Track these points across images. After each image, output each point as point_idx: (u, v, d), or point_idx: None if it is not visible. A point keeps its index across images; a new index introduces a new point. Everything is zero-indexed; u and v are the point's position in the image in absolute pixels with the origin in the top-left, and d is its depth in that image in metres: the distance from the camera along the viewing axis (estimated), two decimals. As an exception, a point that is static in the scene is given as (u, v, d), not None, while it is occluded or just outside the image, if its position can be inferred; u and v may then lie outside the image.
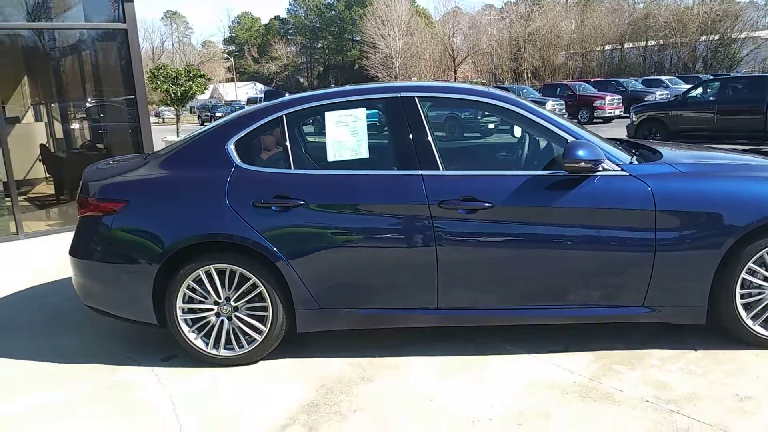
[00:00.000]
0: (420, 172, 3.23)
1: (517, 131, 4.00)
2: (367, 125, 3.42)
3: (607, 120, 21.92)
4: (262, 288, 3.28)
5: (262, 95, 38.59)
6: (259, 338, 3.35)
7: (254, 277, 3.27)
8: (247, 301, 3.34)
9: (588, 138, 3.31)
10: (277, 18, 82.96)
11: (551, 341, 3.46)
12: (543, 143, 3.65)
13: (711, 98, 12.73)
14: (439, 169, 3.25)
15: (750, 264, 3.13)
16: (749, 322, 3.21)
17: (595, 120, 21.73)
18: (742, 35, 41.46)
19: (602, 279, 3.21)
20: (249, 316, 3.35)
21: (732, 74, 26.55)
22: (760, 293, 3.20)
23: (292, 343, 3.52)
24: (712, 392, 2.87)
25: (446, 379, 3.15)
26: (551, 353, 3.35)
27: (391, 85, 3.78)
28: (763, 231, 3.08)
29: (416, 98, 3.40)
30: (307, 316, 3.34)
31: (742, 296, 3.19)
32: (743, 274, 3.15)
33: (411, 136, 3.31)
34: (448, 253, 3.18)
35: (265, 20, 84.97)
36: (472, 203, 3.15)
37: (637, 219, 3.11)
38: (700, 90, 13.29)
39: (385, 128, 3.49)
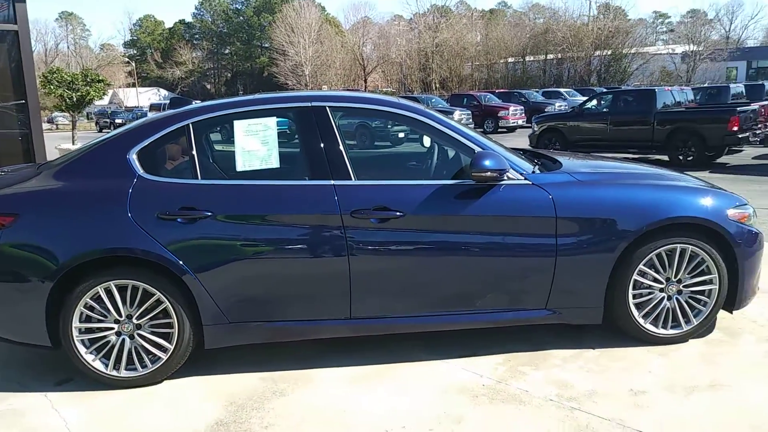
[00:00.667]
0: (332, 182, 3.23)
1: (427, 141, 4.09)
2: (278, 134, 3.37)
3: (511, 129, 22.87)
4: (168, 304, 3.15)
5: (167, 102, 37.18)
6: (164, 357, 3.21)
7: (159, 293, 3.13)
8: (151, 318, 3.19)
9: (493, 148, 3.43)
10: (182, 22, 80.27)
11: (461, 346, 3.54)
12: (452, 153, 3.75)
13: (605, 110, 13.60)
14: (351, 179, 3.26)
15: (641, 266, 3.36)
16: (641, 321, 3.44)
17: (499, 129, 22.60)
18: (632, 50, 44.66)
19: (508, 284, 3.33)
20: (153, 333, 3.20)
21: (623, 87, 28.47)
22: (649, 293, 3.44)
23: (200, 360, 3.39)
24: (609, 388, 3.05)
25: (360, 389, 3.15)
26: (461, 358, 3.43)
27: (302, 94, 3.76)
28: (652, 235, 3.31)
29: (327, 108, 3.40)
30: (216, 332, 3.24)
31: (634, 296, 3.41)
32: (635, 276, 3.37)
33: (322, 145, 3.30)
34: (361, 262, 3.19)
35: (169, 24, 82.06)
36: (384, 212, 3.18)
37: (539, 226, 3.26)
38: (594, 102, 14.16)
39: (296, 137, 3.46)
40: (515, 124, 22.87)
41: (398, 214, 3.17)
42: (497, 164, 3.18)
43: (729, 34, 54.46)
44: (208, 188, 3.25)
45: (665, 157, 12.23)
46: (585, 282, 3.35)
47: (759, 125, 13.30)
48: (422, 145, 4.31)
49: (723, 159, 12.32)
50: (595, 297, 3.37)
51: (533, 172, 3.44)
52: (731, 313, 3.60)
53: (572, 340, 3.57)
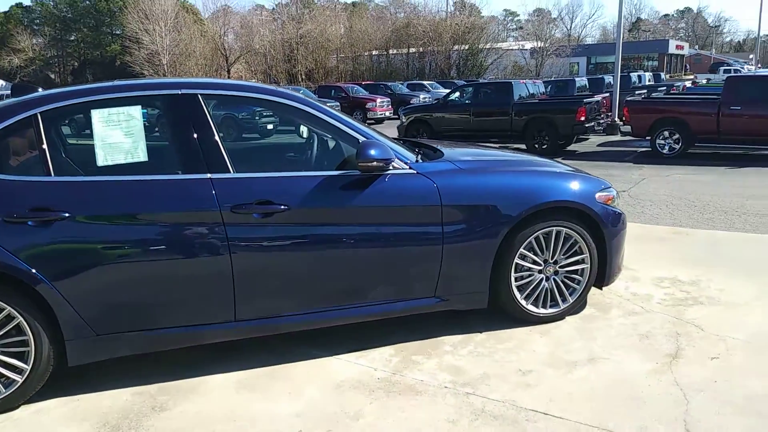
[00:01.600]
0: (209, 176, 2.99)
1: (305, 132, 3.95)
2: (144, 125, 3.06)
3: (379, 121, 23.19)
4: (20, 319, 2.75)
5: (8, 91, 33.33)
6: (20, 379, 2.81)
7: (8, 308, 2.73)
8: (1, 337, 2.77)
9: (378, 138, 3.37)
10: (19, 6, 72.28)
11: (353, 340, 3.46)
12: (332, 143, 3.65)
13: (467, 101, 14.19)
14: (229, 172, 3.04)
15: (521, 250, 3.48)
16: (523, 302, 3.57)
17: (368, 121, 22.82)
18: (487, 46, 47.13)
19: (397, 274, 3.30)
20: (4, 354, 2.79)
21: (481, 80, 29.97)
22: (530, 275, 3.57)
23: (65, 378, 3.01)
24: (499, 370, 3.12)
25: (250, 394, 2.97)
26: (354, 352, 3.36)
27: (171, 80, 3.46)
28: (531, 219, 3.44)
29: (199, 95, 3.14)
30: (81, 346, 2.89)
31: (516, 279, 3.53)
32: (516, 260, 3.49)
33: (196, 136, 3.04)
34: (244, 260, 3.00)
35: (4, 7, 73.56)
36: (268, 206, 3.01)
37: (425, 215, 3.25)
38: (458, 94, 14.72)
39: (165, 128, 3.17)
40: (383, 115, 23.22)
41: (282, 207, 3.01)
42: (383, 154, 3.12)
43: (570, 32, 59.33)
44: (65, 186, 2.88)
45: (523, 146, 12.99)
46: (471, 268, 3.40)
47: (602, 115, 14.62)
48: (299, 135, 4.16)
49: (572, 147, 13.35)
50: (480, 282, 3.44)
51: (417, 161, 3.43)
52: (601, 289, 3.85)
53: (460, 325, 3.63)
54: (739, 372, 3.02)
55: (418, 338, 3.50)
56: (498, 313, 3.65)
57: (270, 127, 12.89)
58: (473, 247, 3.37)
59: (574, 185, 3.59)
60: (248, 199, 2.99)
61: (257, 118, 13.32)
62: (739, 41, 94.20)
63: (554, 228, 3.51)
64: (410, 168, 3.31)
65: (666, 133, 11.57)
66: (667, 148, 11.57)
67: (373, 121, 22.99)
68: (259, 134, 13.49)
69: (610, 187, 3.77)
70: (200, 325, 3.08)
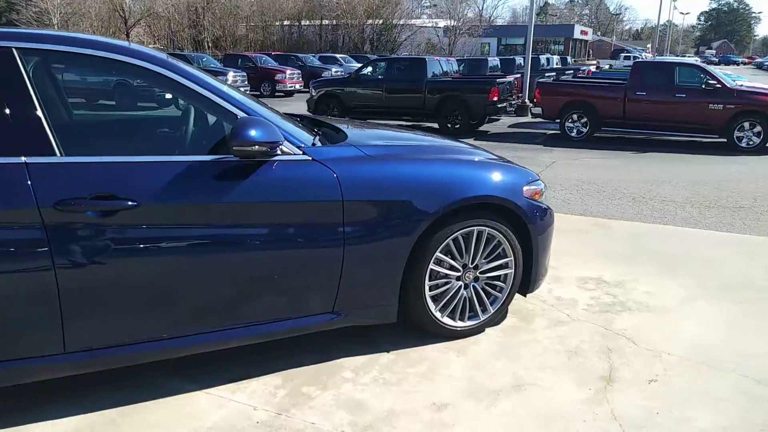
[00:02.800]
0: (23, 159, 2.19)
1: (178, 105, 3.18)
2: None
3: (289, 94, 22.15)
4: None
5: None
6: None
7: None
8: None
9: (263, 114, 2.67)
10: None
11: (231, 365, 2.79)
12: (212, 119, 2.90)
13: (380, 77, 13.55)
14: (55, 155, 2.25)
15: (437, 254, 2.92)
16: (438, 315, 3.03)
17: (277, 93, 21.73)
18: (401, 22, 46.54)
19: (287, 287, 2.65)
20: None
21: (394, 56, 29.40)
22: (447, 284, 3.03)
23: None
24: (409, 404, 2.56)
25: (83, 453, 2.23)
26: (231, 383, 2.69)
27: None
28: (450, 218, 2.88)
29: (15, 50, 2.31)
30: None
31: (431, 288, 2.98)
32: (431, 265, 2.92)
33: (6, 106, 2.22)
34: (74, 275, 2.24)
35: None
36: (109, 202, 2.25)
37: (322, 213, 2.61)
38: (370, 68, 14.04)
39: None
40: (293, 88, 22.17)
41: (130, 204, 2.27)
42: (267, 135, 2.43)
43: (482, 12, 59.86)
44: None
45: (435, 125, 12.57)
46: (378, 277, 2.81)
47: (513, 96, 14.48)
48: (177, 107, 3.37)
49: (484, 127, 13.09)
50: (389, 293, 2.86)
51: (314, 144, 2.77)
52: (525, 296, 3.38)
53: (364, 342, 3.04)
54: (682, 399, 2.62)
55: (312, 361, 2.87)
56: (409, 327, 3.09)
57: (169, 95, 11.71)
58: (381, 253, 2.77)
59: (499, 177, 3.06)
60: (80, 193, 2.22)
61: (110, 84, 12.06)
62: (637, 29, 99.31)
63: (475, 228, 2.98)
64: (304, 153, 2.64)
65: (575, 116, 11.54)
66: (575, 131, 11.55)
67: (282, 94, 21.94)
68: (157, 104, 12.28)
69: (537, 180, 3.28)
70: (19, 359, 2.29)
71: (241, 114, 2.55)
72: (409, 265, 2.85)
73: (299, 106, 15.24)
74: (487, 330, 3.21)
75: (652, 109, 10.87)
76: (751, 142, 10.26)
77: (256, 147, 2.41)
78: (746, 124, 10.28)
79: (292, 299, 2.68)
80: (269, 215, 2.54)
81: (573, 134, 11.54)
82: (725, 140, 10.50)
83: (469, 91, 12.57)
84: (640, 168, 8.70)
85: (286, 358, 2.87)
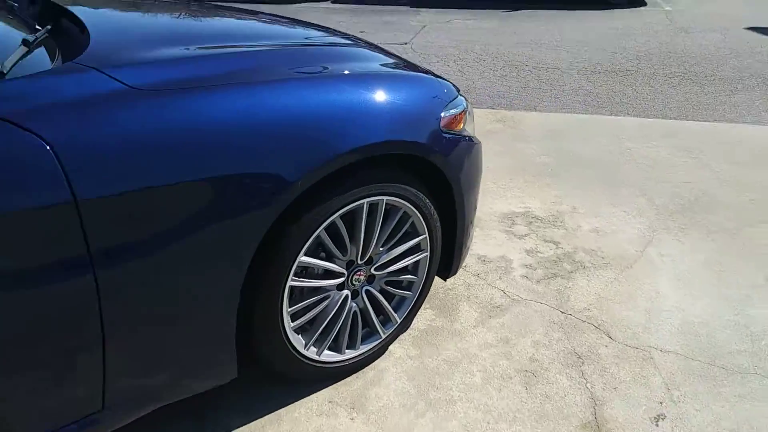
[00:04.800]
0: None
1: None
2: None
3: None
4: None
5: None
6: None
7: None
8: None
9: None
10: None
11: None
12: None
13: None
14: None
15: (301, 258, 1.59)
16: (310, 353, 1.76)
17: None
18: None
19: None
20: None
21: None
22: (321, 300, 1.74)
23: None
24: None
25: None
26: None
27: None
28: (317, 194, 1.54)
29: None
30: None
31: (294, 316, 1.68)
32: (291, 280, 1.60)
33: None
34: None
35: None
36: None
37: (29, 228, 1.15)
38: None
39: None
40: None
41: None
42: None
43: None
44: None
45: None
46: (186, 335, 1.45)
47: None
48: None
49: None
50: (215, 351, 1.52)
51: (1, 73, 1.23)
52: (445, 280, 2.19)
53: (189, 414, 1.73)
54: (715, 457, 1.64)
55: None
56: (267, 374, 1.81)
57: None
58: (185, 293, 1.38)
59: (400, 106, 1.70)
60: None
61: None
62: None
63: (365, 201, 1.66)
64: (-29, 97, 1.12)
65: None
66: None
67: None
68: None
69: (457, 96, 1.96)
70: None
71: None
72: (249, 294, 1.52)
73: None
74: (393, 346, 2.02)
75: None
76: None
77: None
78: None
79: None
80: None
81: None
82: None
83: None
84: (516, 29, 7.74)
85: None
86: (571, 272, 2.46)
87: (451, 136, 1.81)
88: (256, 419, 1.72)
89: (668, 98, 4.91)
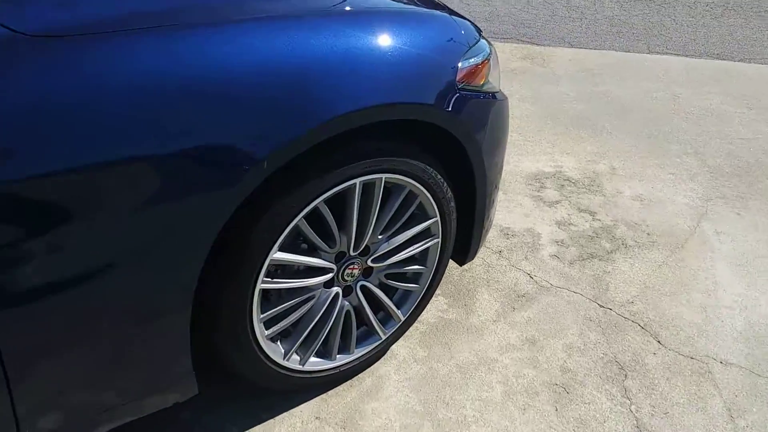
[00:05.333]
0: None
1: None
2: None
3: None
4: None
5: None
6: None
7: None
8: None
9: None
10: None
11: None
12: None
13: None
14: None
15: (274, 255, 1.21)
16: (285, 362, 1.40)
17: None
18: None
19: None
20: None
21: None
22: (303, 302, 1.37)
23: None
24: None
25: None
26: None
27: None
28: (293, 174, 1.15)
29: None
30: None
31: (269, 323, 1.32)
32: (261, 283, 1.23)
33: None
34: None
35: None
36: None
37: None
38: None
39: None
40: None
41: None
42: None
43: None
44: None
45: None
46: (124, 355, 1.10)
47: None
48: None
49: None
50: (172, 359, 1.18)
51: None
52: (461, 265, 1.81)
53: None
54: None
55: None
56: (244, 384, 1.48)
57: None
58: (116, 298, 1.02)
59: (403, 52, 1.26)
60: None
61: None
62: None
63: (357, 180, 1.26)
64: None
65: None
66: None
67: None
68: None
69: (478, 40, 1.51)
70: None
71: None
72: (208, 301, 1.16)
73: None
74: (397, 345, 1.67)
75: None
76: None
77: None
78: None
79: None
80: None
81: None
82: None
83: None
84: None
85: None
86: (611, 252, 2.07)
87: (470, 93, 1.39)
88: (223, 442, 1.40)
89: (710, 31, 4.35)
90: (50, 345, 0.99)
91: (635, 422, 1.47)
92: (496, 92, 1.54)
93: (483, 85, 1.46)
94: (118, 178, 0.91)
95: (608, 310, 1.82)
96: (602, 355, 1.66)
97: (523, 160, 2.62)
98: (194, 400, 1.28)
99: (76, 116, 0.88)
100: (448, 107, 1.31)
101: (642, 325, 1.77)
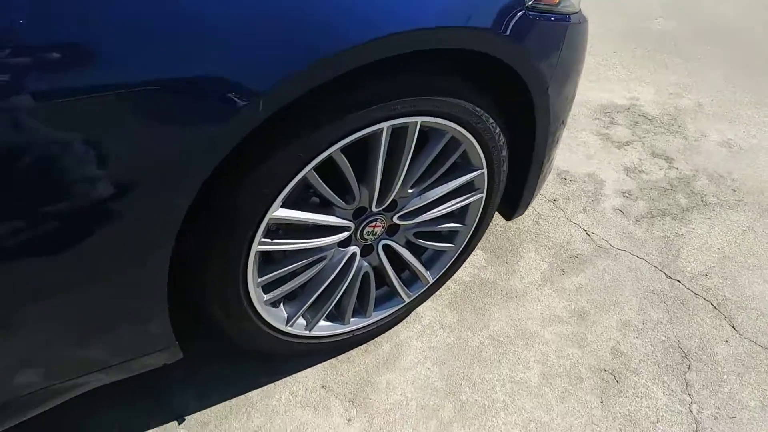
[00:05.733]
0: None
1: None
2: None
3: None
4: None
5: None
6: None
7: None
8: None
9: None
10: None
11: None
12: None
13: None
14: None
15: (275, 213, 0.98)
16: (287, 328, 1.21)
17: None
18: None
19: None
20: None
21: None
22: (313, 264, 1.16)
23: None
24: None
25: None
26: None
27: None
28: (309, 111, 0.90)
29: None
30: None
31: (268, 287, 1.12)
32: (258, 243, 1.01)
33: None
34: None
35: None
36: None
37: None
38: None
39: None
40: None
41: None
42: None
43: None
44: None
45: None
46: (112, 304, 0.92)
47: None
48: None
49: None
50: (153, 320, 1.00)
51: None
52: (509, 220, 1.55)
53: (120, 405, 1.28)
54: None
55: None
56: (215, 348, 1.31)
57: None
58: (106, 245, 0.82)
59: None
60: None
61: None
62: None
63: (386, 125, 0.99)
64: None
65: None
66: None
67: None
68: None
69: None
70: None
71: None
72: (194, 262, 0.96)
73: None
74: (423, 307, 1.46)
75: None
76: None
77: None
78: None
79: None
80: None
81: None
82: None
83: None
84: None
85: None
86: (687, 210, 1.76)
87: (541, 16, 1.07)
88: (217, 404, 1.25)
89: None
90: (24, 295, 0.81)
91: (695, 426, 1.25)
92: (573, 12, 1.21)
93: (558, 4, 1.13)
94: (86, 108, 0.69)
95: (676, 282, 1.55)
96: (663, 338, 1.42)
97: (593, 87, 2.26)
98: (188, 358, 1.11)
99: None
100: (508, 32, 1.00)
101: (715, 304, 1.50)
